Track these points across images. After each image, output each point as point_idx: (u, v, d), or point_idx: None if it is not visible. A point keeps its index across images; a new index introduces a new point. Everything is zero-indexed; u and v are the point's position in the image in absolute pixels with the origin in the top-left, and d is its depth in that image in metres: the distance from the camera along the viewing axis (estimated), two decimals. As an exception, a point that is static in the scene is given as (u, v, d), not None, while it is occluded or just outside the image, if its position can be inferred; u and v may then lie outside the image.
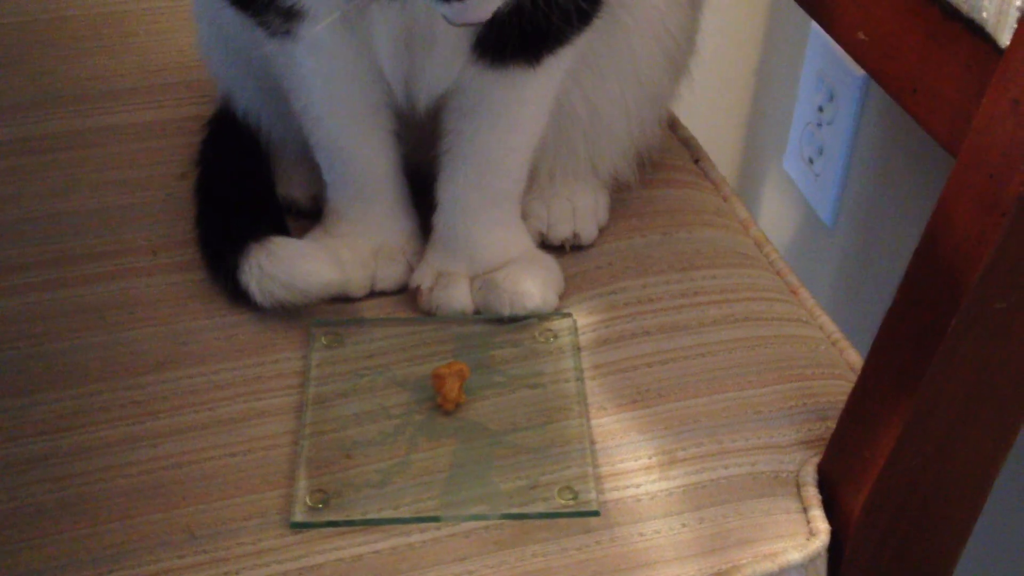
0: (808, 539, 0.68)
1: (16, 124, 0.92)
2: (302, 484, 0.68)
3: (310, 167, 0.82)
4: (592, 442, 0.71)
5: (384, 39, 0.72)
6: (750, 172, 1.33)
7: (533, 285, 0.78)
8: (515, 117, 0.76)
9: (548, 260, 0.80)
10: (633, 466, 0.70)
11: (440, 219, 0.78)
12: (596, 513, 0.67)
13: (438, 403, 0.72)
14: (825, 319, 0.82)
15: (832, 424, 0.72)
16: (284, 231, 0.80)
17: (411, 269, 0.80)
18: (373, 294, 0.80)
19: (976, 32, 0.59)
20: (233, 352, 0.76)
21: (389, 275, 0.79)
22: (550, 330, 0.78)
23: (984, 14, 0.57)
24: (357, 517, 0.67)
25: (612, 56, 0.78)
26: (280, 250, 0.77)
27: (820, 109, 1.14)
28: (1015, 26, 0.55)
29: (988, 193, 0.57)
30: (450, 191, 0.77)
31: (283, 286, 0.76)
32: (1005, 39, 0.56)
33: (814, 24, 0.99)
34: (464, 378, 0.72)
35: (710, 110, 1.23)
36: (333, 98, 0.76)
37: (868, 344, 0.67)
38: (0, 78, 0.97)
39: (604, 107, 0.80)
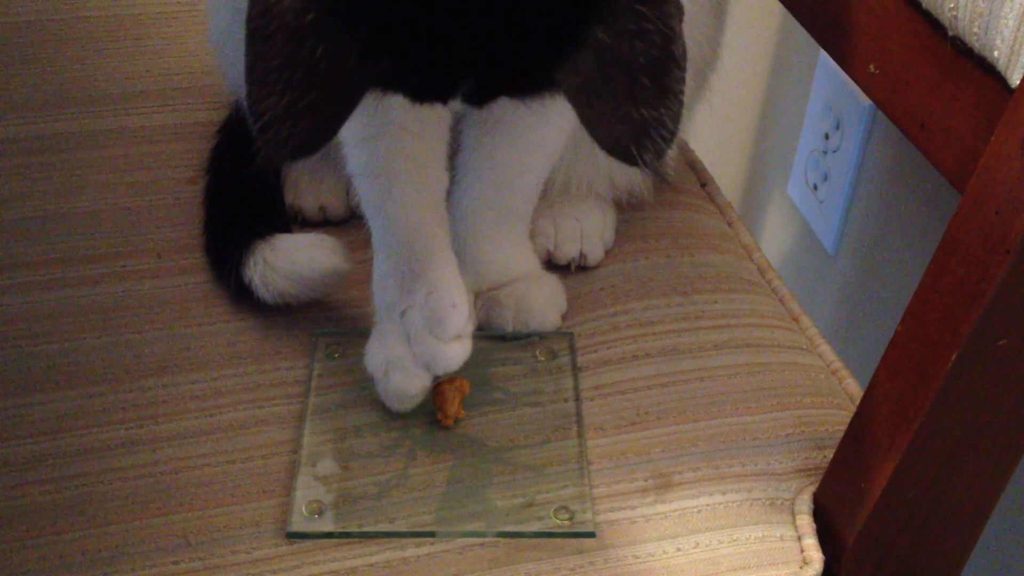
0: (802, 567, 0.68)
1: (26, 123, 0.93)
2: (299, 494, 0.68)
3: (318, 177, 0.82)
4: (589, 462, 0.71)
5: None
6: (754, 197, 1.33)
7: (536, 304, 0.78)
8: (536, 136, 0.75)
9: (552, 280, 0.80)
10: (629, 488, 0.71)
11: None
12: (592, 534, 0.67)
13: (438, 418, 0.72)
14: (825, 348, 0.83)
15: (829, 453, 0.72)
16: (290, 239, 0.80)
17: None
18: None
19: (987, 70, 0.59)
20: (235, 359, 0.76)
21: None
22: (551, 349, 0.78)
23: (996, 53, 0.58)
24: (353, 529, 0.67)
25: None
26: (284, 243, 0.77)
27: (826, 137, 1.14)
28: (1026, 66, 0.56)
29: (994, 230, 0.57)
30: (463, 206, 0.77)
31: (286, 277, 0.76)
32: (1016, 78, 0.57)
33: (822, 52, 1.00)
34: (464, 394, 0.72)
35: (717, 134, 1.23)
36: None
37: (867, 372, 0.68)
38: (12, 76, 0.97)
39: None
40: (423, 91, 0.57)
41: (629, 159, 0.54)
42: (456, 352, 0.69)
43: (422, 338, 0.69)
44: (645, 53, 0.52)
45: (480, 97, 0.57)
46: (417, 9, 0.51)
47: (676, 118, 0.53)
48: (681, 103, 0.53)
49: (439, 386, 0.72)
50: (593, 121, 0.54)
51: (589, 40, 0.52)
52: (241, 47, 0.82)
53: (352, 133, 0.71)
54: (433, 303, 0.69)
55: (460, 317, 0.69)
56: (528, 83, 0.57)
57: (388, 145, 0.71)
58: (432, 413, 0.73)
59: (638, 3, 0.52)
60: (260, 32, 0.49)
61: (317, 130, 0.52)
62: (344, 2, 0.50)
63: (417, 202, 0.71)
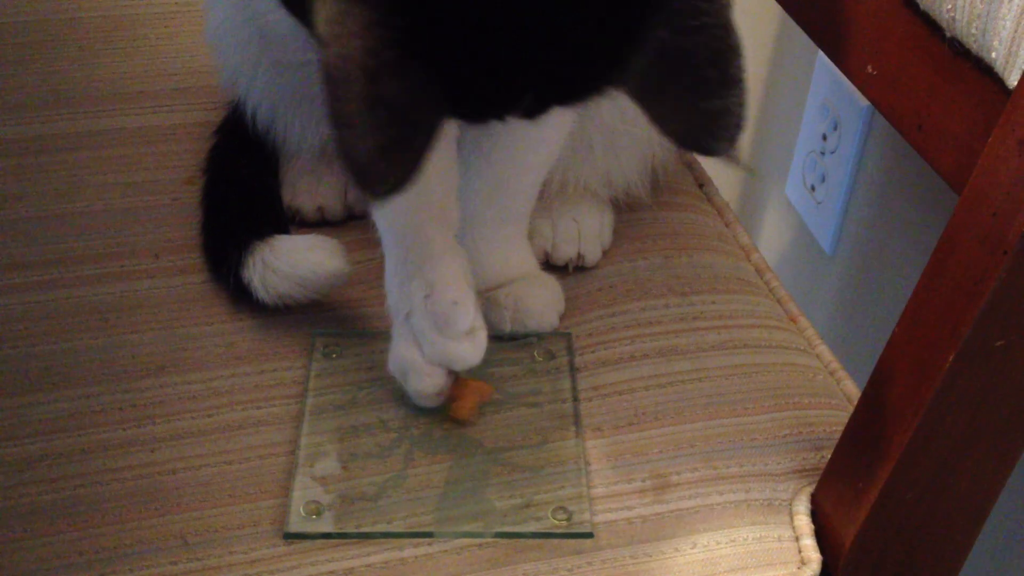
0: (799, 568, 0.68)
1: (23, 123, 0.92)
2: (297, 494, 0.68)
3: (316, 178, 0.82)
4: (587, 463, 0.71)
5: None
6: (752, 198, 1.33)
7: (534, 304, 0.78)
8: (535, 136, 0.75)
9: (550, 280, 0.80)
10: (627, 488, 0.71)
11: None
12: (590, 535, 0.67)
13: (451, 407, 0.72)
14: (823, 348, 0.83)
15: (827, 454, 0.72)
16: (288, 239, 0.80)
17: None
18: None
19: (985, 71, 0.59)
20: (233, 359, 0.76)
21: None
22: (549, 350, 0.78)
23: (993, 54, 0.58)
24: (351, 530, 0.67)
25: None
26: (283, 244, 0.77)
27: (824, 137, 1.14)
28: (1024, 67, 0.56)
29: (991, 231, 0.57)
30: (461, 205, 0.77)
31: (286, 278, 0.76)
32: (1013, 80, 0.57)
33: (820, 53, 1.00)
34: (482, 398, 0.72)
35: (714, 134, 1.23)
36: None
37: (865, 372, 0.68)
38: (9, 77, 0.97)
39: (627, 118, 0.80)
40: (485, 111, 0.57)
41: (705, 150, 0.55)
42: (469, 348, 0.70)
43: (432, 339, 0.70)
44: (707, 46, 0.53)
45: (537, 109, 0.57)
46: (485, 33, 0.52)
47: (743, 105, 0.54)
48: (745, 90, 0.54)
49: (461, 379, 0.72)
50: (662, 118, 0.55)
51: (652, 41, 0.53)
52: (237, 43, 0.83)
53: None
54: (433, 303, 0.69)
55: (466, 313, 0.69)
56: (588, 90, 0.57)
57: None
58: (431, 413, 0.73)
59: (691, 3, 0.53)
60: (339, 75, 0.49)
61: (408, 165, 0.53)
62: (415, 37, 0.50)
63: (415, 203, 0.71)
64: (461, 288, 0.70)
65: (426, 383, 0.71)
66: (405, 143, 0.51)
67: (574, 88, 0.57)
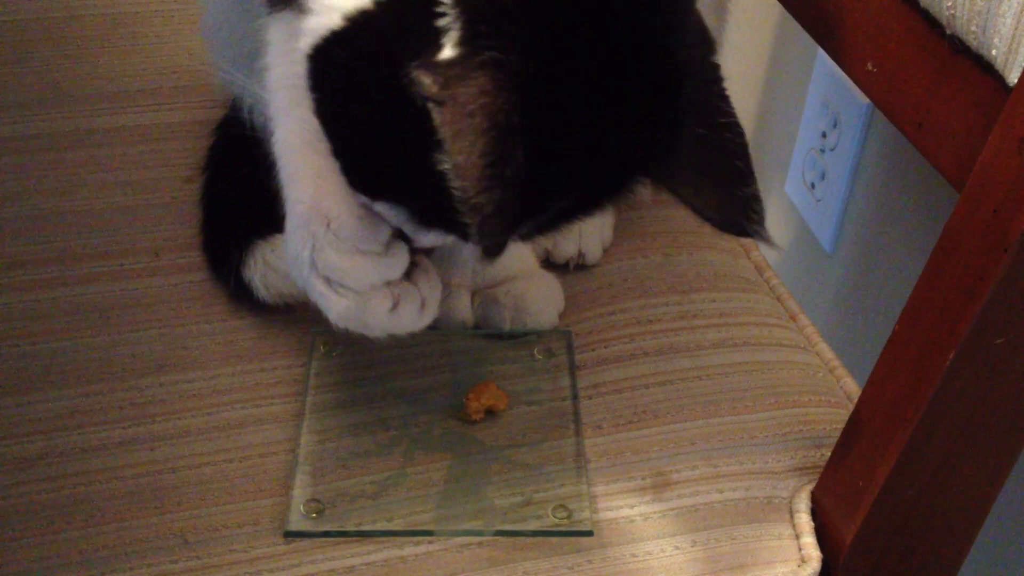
0: (799, 566, 0.68)
1: (23, 121, 0.92)
2: (297, 493, 0.68)
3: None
4: (587, 461, 0.71)
5: None
6: (752, 195, 1.33)
7: (534, 302, 0.78)
8: None
9: (549, 278, 0.80)
10: (627, 486, 0.71)
11: None
12: (590, 533, 0.67)
13: (466, 406, 0.72)
14: (823, 346, 0.83)
15: (827, 452, 0.72)
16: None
17: None
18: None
19: (985, 69, 0.59)
20: (233, 357, 0.76)
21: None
22: (549, 348, 0.78)
23: (994, 51, 0.58)
24: (351, 528, 0.67)
25: None
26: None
27: (823, 135, 1.14)
28: (1024, 65, 0.56)
29: (991, 229, 0.57)
30: None
31: (287, 278, 0.75)
32: (1013, 77, 0.57)
33: (820, 50, 1.00)
34: (493, 403, 0.73)
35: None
36: None
37: (864, 369, 0.68)
38: (8, 75, 0.97)
39: None
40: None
41: (743, 232, 0.60)
42: (368, 265, 0.63)
43: (322, 254, 0.63)
44: (732, 140, 0.59)
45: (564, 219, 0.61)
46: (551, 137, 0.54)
47: (758, 192, 0.60)
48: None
49: (485, 382, 0.73)
50: (704, 206, 0.59)
51: (689, 138, 0.58)
52: (231, 40, 0.82)
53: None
54: (321, 213, 0.63)
55: (368, 227, 0.62)
56: (623, 192, 0.63)
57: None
58: (430, 412, 0.73)
59: (718, 98, 0.60)
60: (470, 130, 0.50)
61: (510, 227, 0.55)
62: (543, 113, 0.52)
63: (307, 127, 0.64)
64: (353, 199, 0.62)
65: (375, 304, 0.65)
66: (513, 207, 0.52)
67: (611, 192, 0.61)
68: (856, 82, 0.70)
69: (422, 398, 0.74)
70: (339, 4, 0.56)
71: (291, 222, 0.66)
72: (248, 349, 0.77)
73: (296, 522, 0.66)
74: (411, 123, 0.52)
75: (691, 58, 0.58)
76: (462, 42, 0.51)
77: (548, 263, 0.83)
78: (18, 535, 0.65)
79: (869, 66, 0.68)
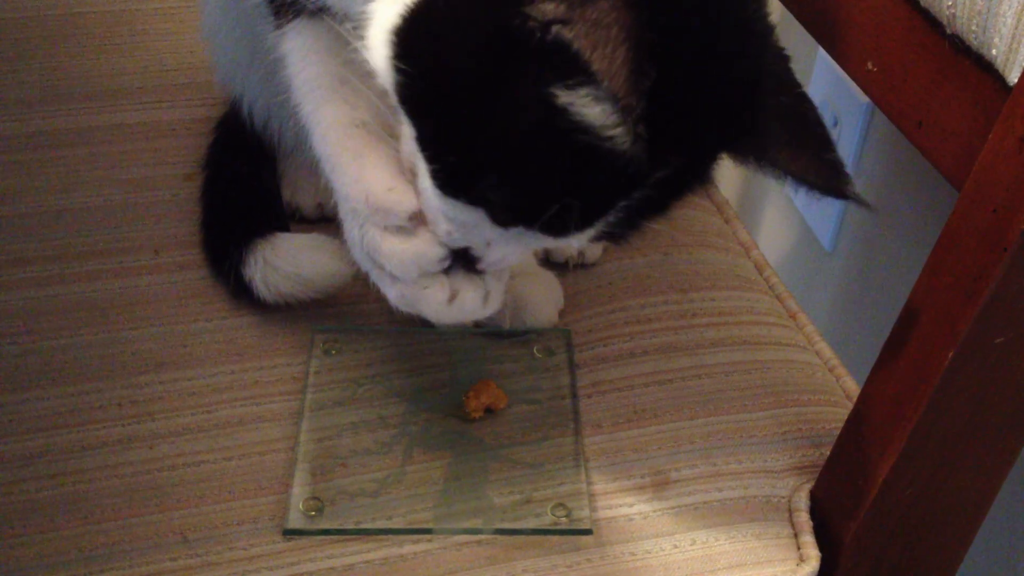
0: (798, 565, 0.68)
1: (23, 119, 0.92)
2: (297, 491, 0.68)
3: (316, 175, 0.81)
4: (587, 459, 0.71)
5: None
6: (752, 194, 1.33)
7: (534, 301, 0.78)
8: None
9: (549, 276, 0.80)
10: (627, 485, 0.71)
11: None
12: (589, 531, 0.67)
13: (466, 405, 0.72)
14: (823, 345, 0.83)
15: (826, 451, 0.72)
16: (288, 236, 0.80)
17: None
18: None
19: (985, 68, 0.59)
20: (232, 355, 0.76)
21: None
22: (549, 346, 0.78)
23: (994, 51, 0.58)
24: (350, 526, 0.67)
25: None
26: (285, 243, 0.77)
27: (824, 134, 1.14)
28: (1024, 64, 0.56)
29: (991, 228, 0.57)
30: None
31: (287, 277, 0.76)
32: (1014, 77, 0.57)
33: (820, 49, 0.99)
34: (493, 402, 0.73)
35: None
36: None
37: (864, 368, 0.68)
38: (8, 73, 0.97)
39: None
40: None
41: (840, 194, 0.59)
42: (401, 249, 0.62)
43: (367, 231, 0.63)
44: (811, 109, 0.61)
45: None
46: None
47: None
48: None
49: (484, 381, 0.73)
50: (803, 172, 0.59)
51: (773, 107, 0.59)
52: (230, 41, 0.82)
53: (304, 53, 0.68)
54: (361, 188, 0.63)
55: (403, 197, 0.61)
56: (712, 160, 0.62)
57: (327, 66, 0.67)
58: (429, 410, 0.73)
59: (789, 72, 0.61)
60: (608, 39, 0.49)
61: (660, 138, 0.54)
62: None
63: (343, 119, 0.66)
64: (392, 174, 0.62)
65: (433, 294, 0.64)
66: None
67: (700, 169, 0.61)
68: (856, 81, 0.70)
69: (421, 396, 0.74)
70: None
71: (342, 208, 0.66)
72: (248, 347, 0.77)
73: (295, 520, 0.67)
74: (519, 81, 0.51)
75: (766, 33, 0.59)
76: None
77: (548, 262, 0.83)
78: (18, 532, 0.65)
79: (869, 65, 0.68)
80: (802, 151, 0.59)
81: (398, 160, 0.63)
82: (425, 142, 0.57)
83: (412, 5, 0.55)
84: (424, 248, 0.62)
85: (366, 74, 0.60)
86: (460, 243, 0.62)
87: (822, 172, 0.59)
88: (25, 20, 1.03)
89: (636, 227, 0.60)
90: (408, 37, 0.56)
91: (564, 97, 0.51)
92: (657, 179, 0.56)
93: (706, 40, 0.54)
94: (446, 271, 0.64)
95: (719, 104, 0.56)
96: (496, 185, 0.56)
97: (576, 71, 0.49)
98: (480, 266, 0.63)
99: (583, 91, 0.50)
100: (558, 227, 0.56)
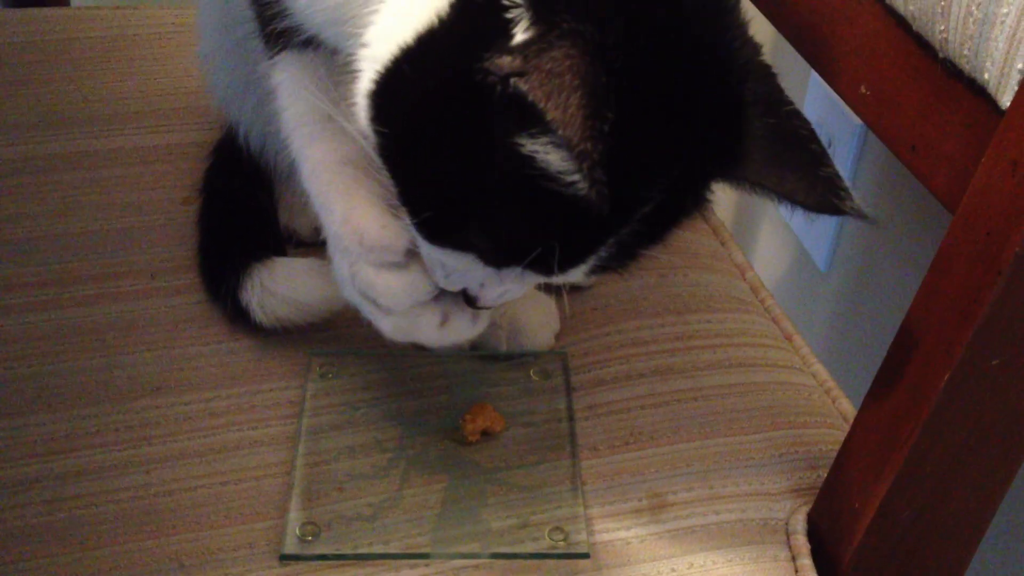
0: (796, 588, 0.68)
1: (19, 143, 0.93)
2: (293, 516, 0.68)
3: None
4: (583, 483, 0.71)
5: None
6: (747, 216, 1.34)
7: (530, 324, 0.78)
8: None
9: (545, 300, 0.81)
10: (624, 508, 0.71)
11: None
12: (586, 555, 0.67)
13: (463, 428, 0.72)
14: (819, 367, 0.83)
15: (823, 473, 0.72)
16: (285, 260, 0.80)
17: None
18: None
19: (978, 92, 0.59)
20: (229, 379, 0.76)
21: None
22: (545, 369, 0.78)
23: (986, 75, 0.58)
24: (347, 551, 0.66)
25: None
26: (282, 268, 0.77)
27: (818, 156, 1.14)
28: (1016, 88, 0.56)
29: (985, 251, 0.57)
30: None
31: (284, 302, 0.76)
32: (1006, 100, 0.57)
33: (813, 72, 1.00)
34: (490, 425, 0.73)
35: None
36: None
37: (860, 391, 0.68)
38: (6, 97, 0.97)
39: None
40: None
41: (837, 211, 0.59)
42: (395, 284, 0.63)
43: (358, 269, 0.64)
44: (802, 126, 0.60)
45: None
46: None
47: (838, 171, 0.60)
48: None
49: (481, 404, 0.73)
50: (792, 193, 0.59)
51: (761, 128, 0.59)
52: (226, 67, 0.83)
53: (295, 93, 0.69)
54: (352, 227, 0.63)
55: (398, 236, 0.62)
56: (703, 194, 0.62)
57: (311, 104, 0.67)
58: (426, 434, 0.73)
59: (778, 90, 0.61)
60: (562, 87, 0.49)
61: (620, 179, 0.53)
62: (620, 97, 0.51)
63: (330, 157, 0.67)
64: (383, 213, 0.63)
65: (427, 321, 0.66)
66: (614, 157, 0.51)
67: (690, 197, 0.61)
68: (850, 105, 0.70)
69: (418, 420, 0.74)
70: (396, 34, 0.55)
71: (331, 245, 0.67)
72: (244, 371, 0.77)
73: (292, 545, 0.66)
74: (487, 133, 0.52)
75: (748, 56, 0.59)
76: (535, 22, 0.50)
77: (544, 285, 0.83)
78: (13, 558, 0.65)
79: (863, 89, 0.68)
80: (792, 170, 0.59)
81: (387, 194, 0.63)
82: (406, 197, 0.58)
83: (382, 69, 0.56)
84: (418, 280, 0.64)
85: (352, 111, 0.60)
86: (458, 285, 0.63)
87: (815, 189, 0.59)
88: (22, 45, 1.03)
89: (633, 257, 0.60)
90: (381, 99, 0.57)
91: (529, 146, 0.51)
92: (644, 213, 0.56)
93: (676, 73, 0.55)
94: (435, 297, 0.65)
95: (697, 133, 0.56)
96: (477, 232, 0.57)
97: (535, 120, 0.50)
98: (480, 304, 0.64)
99: (543, 139, 0.51)
100: (547, 267, 0.57)
